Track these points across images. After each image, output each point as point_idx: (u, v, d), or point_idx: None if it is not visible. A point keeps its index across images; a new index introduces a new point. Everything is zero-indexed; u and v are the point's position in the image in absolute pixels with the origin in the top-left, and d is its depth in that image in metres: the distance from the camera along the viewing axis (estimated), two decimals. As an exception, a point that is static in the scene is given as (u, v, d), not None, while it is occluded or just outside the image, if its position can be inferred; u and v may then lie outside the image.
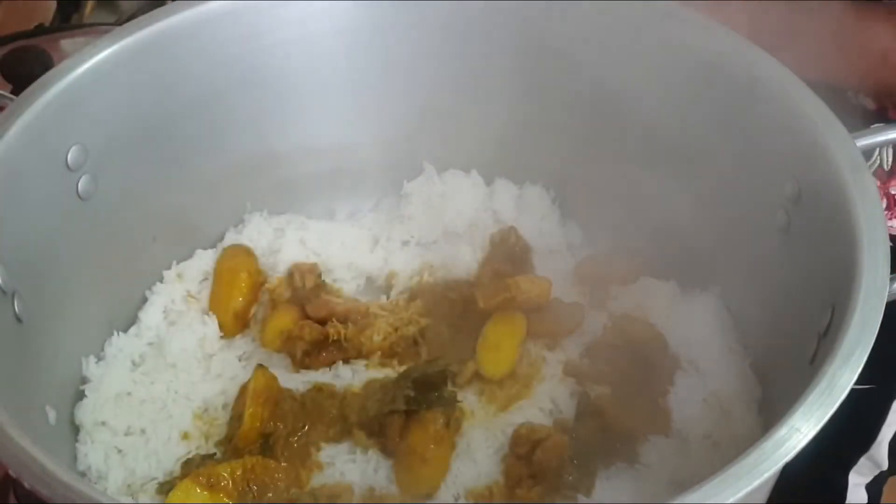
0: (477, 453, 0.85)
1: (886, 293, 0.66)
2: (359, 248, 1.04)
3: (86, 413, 0.86)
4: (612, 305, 0.97)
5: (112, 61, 0.86)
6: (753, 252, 0.87)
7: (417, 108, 1.04)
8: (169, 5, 0.92)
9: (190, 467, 0.83)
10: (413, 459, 0.83)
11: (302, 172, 1.05)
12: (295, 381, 0.91)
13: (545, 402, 0.89)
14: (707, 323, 0.92)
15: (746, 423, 0.84)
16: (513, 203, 1.06)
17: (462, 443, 0.86)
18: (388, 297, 1.01)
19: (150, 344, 0.94)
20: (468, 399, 0.89)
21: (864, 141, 0.78)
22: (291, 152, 1.04)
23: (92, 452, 0.84)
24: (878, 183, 0.94)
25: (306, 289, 0.97)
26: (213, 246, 1.03)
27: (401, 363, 0.93)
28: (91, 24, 1.32)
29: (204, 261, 1.01)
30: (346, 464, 0.85)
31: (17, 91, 0.83)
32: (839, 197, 0.74)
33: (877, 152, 1.01)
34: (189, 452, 0.86)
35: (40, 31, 1.29)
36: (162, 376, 0.91)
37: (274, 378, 0.89)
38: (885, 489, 1.13)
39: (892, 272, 0.68)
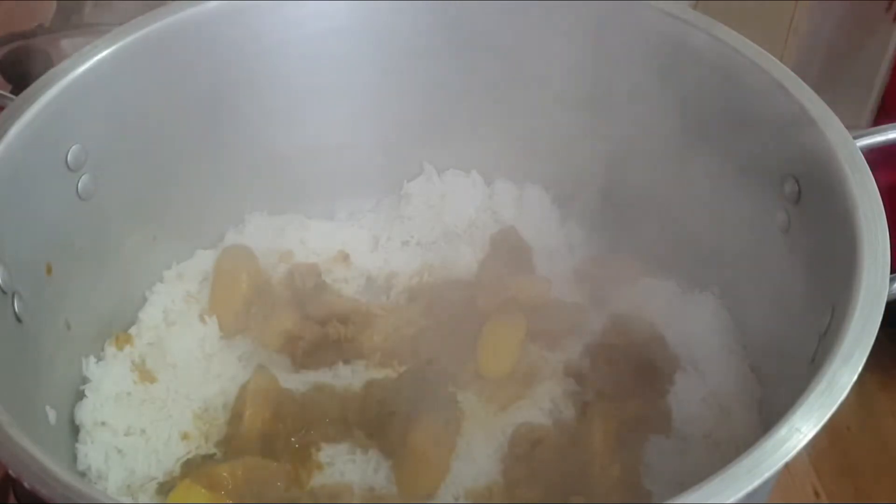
0: (477, 453, 0.85)
1: (886, 293, 0.66)
2: (359, 248, 1.04)
3: (86, 413, 0.86)
4: (612, 305, 0.97)
5: (112, 61, 0.86)
6: (753, 252, 0.87)
7: (417, 109, 1.04)
8: (169, 5, 0.92)
9: (190, 467, 0.83)
10: (413, 459, 0.83)
11: (302, 172, 1.05)
12: (295, 381, 0.91)
13: (545, 402, 0.89)
14: (707, 323, 0.92)
15: (746, 423, 0.85)
16: (513, 203, 1.06)
17: (462, 443, 0.86)
18: (388, 297, 1.01)
19: (150, 344, 0.94)
20: (468, 399, 0.89)
21: (864, 141, 0.78)
22: (291, 152, 1.04)
23: (92, 452, 0.84)
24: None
25: (306, 289, 0.97)
26: (213, 246, 1.03)
27: (401, 363, 0.93)
28: (91, 24, 1.32)
29: (204, 261, 1.01)
30: (346, 464, 0.85)
31: (17, 91, 0.83)
32: (839, 197, 0.73)
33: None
34: (189, 452, 0.86)
35: (40, 31, 1.29)
36: (162, 376, 0.91)
37: (274, 378, 0.89)
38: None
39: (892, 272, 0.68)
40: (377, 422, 0.86)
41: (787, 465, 0.58)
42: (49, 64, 0.96)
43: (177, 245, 1.00)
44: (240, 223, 1.05)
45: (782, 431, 0.59)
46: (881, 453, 1.00)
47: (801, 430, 0.59)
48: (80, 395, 0.88)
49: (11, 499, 0.87)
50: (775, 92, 0.82)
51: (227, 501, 0.78)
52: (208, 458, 0.84)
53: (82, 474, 0.84)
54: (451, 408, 0.86)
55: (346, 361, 0.94)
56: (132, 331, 0.95)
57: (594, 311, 0.97)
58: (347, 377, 0.92)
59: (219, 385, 0.92)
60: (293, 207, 1.07)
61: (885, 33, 1.06)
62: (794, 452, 0.58)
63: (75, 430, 0.86)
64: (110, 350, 0.92)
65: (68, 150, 0.84)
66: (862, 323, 0.64)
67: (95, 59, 0.85)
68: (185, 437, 0.87)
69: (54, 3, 1.39)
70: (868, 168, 0.74)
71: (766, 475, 0.57)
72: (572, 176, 1.03)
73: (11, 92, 0.85)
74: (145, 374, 0.91)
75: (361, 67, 1.01)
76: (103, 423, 0.86)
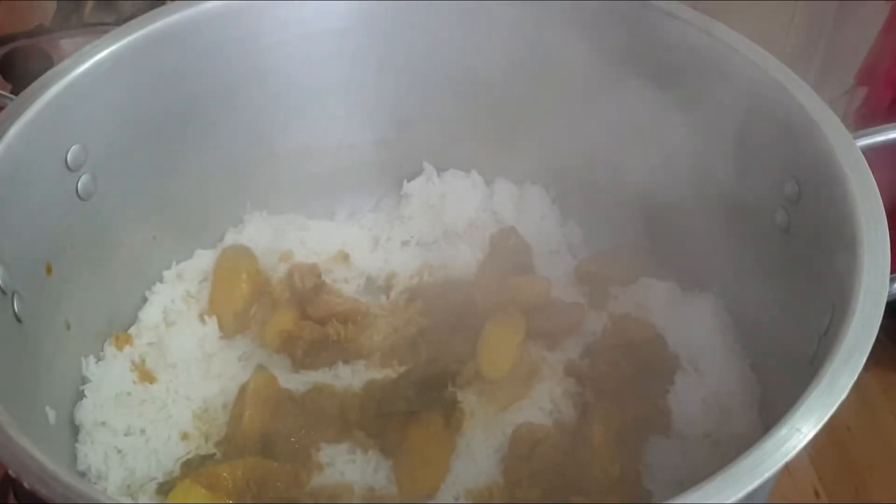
0: (477, 453, 0.85)
1: (886, 293, 0.66)
2: (359, 248, 1.04)
3: (86, 413, 0.86)
4: (612, 305, 0.97)
5: (112, 61, 0.86)
6: (753, 252, 0.87)
7: (417, 108, 1.04)
8: (169, 5, 0.92)
9: (190, 467, 0.83)
10: (413, 460, 0.83)
11: (302, 172, 1.05)
12: (295, 381, 0.91)
13: (545, 402, 0.89)
14: (707, 323, 0.92)
15: (746, 422, 0.85)
16: (513, 203, 1.06)
17: (462, 443, 0.86)
18: (388, 297, 1.01)
19: (150, 344, 0.94)
20: (468, 399, 0.89)
21: (864, 141, 0.78)
22: (291, 152, 1.04)
23: (92, 452, 0.84)
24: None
25: (306, 289, 0.97)
26: (213, 246, 1.03)
27: (401, 363, 0.93)
28: (91, 24, 1.32)
29: (204, 261, 1.01)
30: (346, 464, 0.85)
31: (17, 91, 0.83)
32: (839, 197, 0.73)
33: None
34: (189, 452, 0.86)
35: (40, 31, 1.29)
36: (162, 376, 0.91)
37: (274, 378, 0.89)
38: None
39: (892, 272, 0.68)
40: (377, 422, 0.86)
41: (787, 465, 0.58)
42: (49, 64, 0.96)
43: (177, 245, 1.00)
44: (240, 223, 1.05)
45: (782, 431, 0.59)
46: (881, 453, 1.00)
47: (801, 430, 0.59)
48: (80, 395, 0.88)
49: (11, 499, 0.87)
50: (775, 92, 0.82)
51: (227, 501, 0.78)
52: (208, 458, 0.84)
53: (82, 474, 0.84)
54: (451, 408, 0.86)
55: (346, 361, 0.94)
56: (132, 331, 0.95)
57: (594, 311, 0.97)
58: (347, 377, 0.92)
59: (219, 385, 0.92)
60: (293, 207, 1.07)
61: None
62: (794, 452, 0.58)
63: (75, 430, 0.86)
64: (110, 350, 0.92)
65: (68, 150, 0.84)
66: (862, 323, 0.64)
67: (95, 59, 0.85)
68: (184, 437, 0.87)
69: (54, 3, 1.38)
70: (868, 168, 0.74)
71: (766, 475, 0.57)
72: (573, 176, 1.03)
73: (11, 92, 0.85)
74: (145, 374, 0.91)
75: (361, 67, 1.01)
76: (103, 423, 0.86)
